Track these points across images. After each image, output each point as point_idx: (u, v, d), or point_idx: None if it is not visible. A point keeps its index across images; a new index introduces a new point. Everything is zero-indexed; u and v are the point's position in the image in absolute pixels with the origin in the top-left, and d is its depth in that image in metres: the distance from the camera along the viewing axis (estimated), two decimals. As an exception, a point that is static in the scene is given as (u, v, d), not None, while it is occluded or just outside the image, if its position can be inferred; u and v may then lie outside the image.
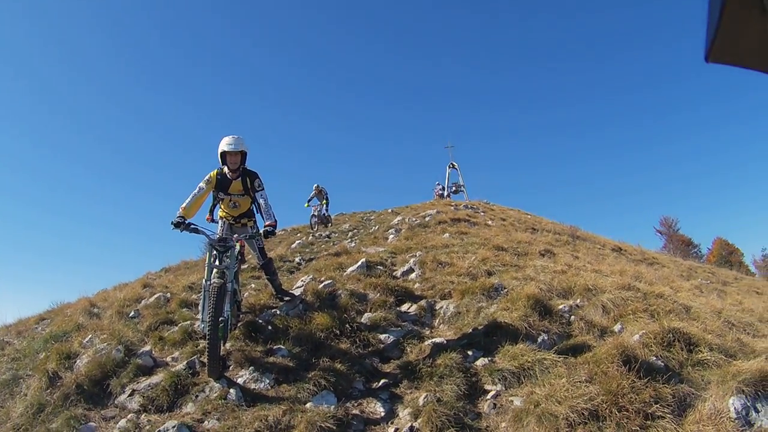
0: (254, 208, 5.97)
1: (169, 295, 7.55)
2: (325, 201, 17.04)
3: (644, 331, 4.46)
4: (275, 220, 5.48)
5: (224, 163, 5.57)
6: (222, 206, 5.97)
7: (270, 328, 5.63)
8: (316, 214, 16.54)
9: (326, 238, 13.91)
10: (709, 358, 4.07)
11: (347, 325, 5.51)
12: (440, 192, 28.53)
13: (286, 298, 6.32)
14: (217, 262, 5.02)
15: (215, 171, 5.66)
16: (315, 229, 15.98)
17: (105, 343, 5.37)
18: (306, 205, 16.72)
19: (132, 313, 6.92)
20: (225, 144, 5.48)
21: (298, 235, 15.13)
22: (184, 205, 5.37)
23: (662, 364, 4.02)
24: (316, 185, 17.04)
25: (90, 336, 5.74)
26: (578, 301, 5.62)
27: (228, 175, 5.64)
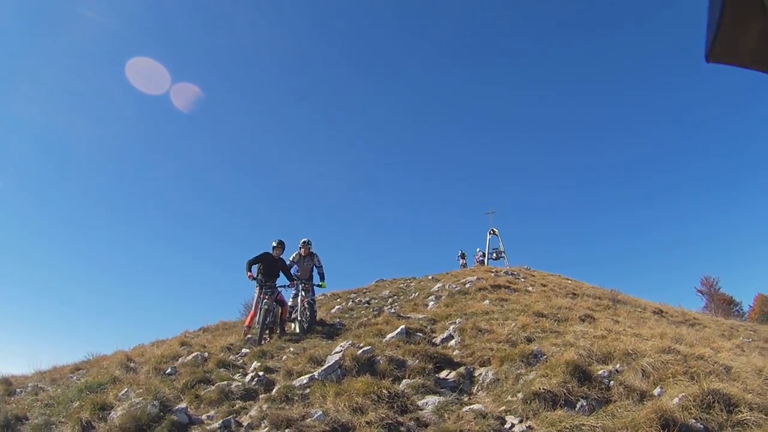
0: None
1: (206, 354, 7.72)
2: (310, 280, 10.45)
3: (684, 394, 4.38)
4: None
5: None
6: None
7: (308, 390, 5.71)
8: (304, 301, 9.97)
9: (366, 304, 14.00)
10: (749, 417, 3.97)
11: (385, 391, 5.47)
12: (480, 258, 28.40)
13: None
14: None
15: None
16: (308, 330, 9.59)
17: (140, 398, 5.41)
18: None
19: (169, 369, 7.08)
20: None
21: (338, 300, 15.18)
22: None
23: (701, 426, 3.94)
24: (304, 241, 10.63)
25: (126, 389, 5.84)
26: (618, 366, 5.53)
27: None
